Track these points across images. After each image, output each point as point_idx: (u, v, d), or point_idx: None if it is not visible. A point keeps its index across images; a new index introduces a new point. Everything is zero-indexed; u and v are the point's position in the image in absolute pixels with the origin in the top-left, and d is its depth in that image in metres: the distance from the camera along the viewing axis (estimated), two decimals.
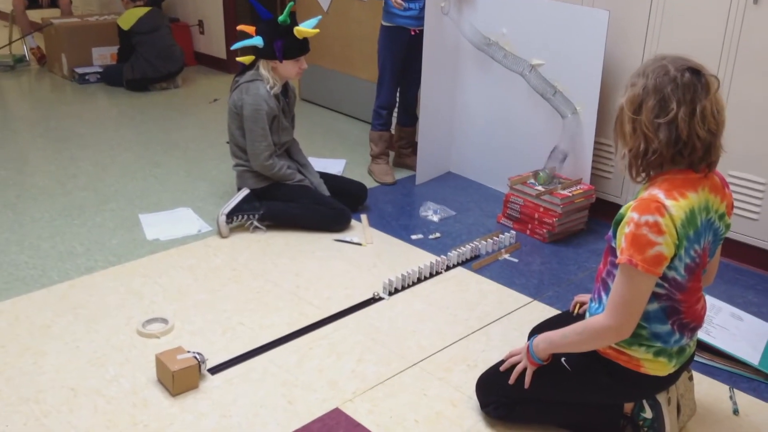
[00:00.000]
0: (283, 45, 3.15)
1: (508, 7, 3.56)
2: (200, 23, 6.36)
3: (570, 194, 3.28)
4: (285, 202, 3.32)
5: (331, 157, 4.28)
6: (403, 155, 4.15)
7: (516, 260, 3.14)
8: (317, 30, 3.21)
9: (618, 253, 1.74)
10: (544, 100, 3.51)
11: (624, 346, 1.87)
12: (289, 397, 2.22)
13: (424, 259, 3.10)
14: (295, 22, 3.20)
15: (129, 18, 5.51)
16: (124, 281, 2.86)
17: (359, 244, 3.22)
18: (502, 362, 2.09)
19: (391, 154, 4.17)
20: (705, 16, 2.99)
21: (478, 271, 3.03)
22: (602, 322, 1.79)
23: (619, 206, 3.23)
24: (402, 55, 3.80)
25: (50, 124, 4.81)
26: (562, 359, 1.97)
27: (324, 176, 3.53)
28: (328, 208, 3.31)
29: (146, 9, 5.57)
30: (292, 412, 2.15)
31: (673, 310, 1.82)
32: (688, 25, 3.04)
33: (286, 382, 2.29)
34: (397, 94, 3.99)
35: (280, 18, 3.14)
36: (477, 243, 3.14)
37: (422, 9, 3.63)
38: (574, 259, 3.17)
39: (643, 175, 1.78)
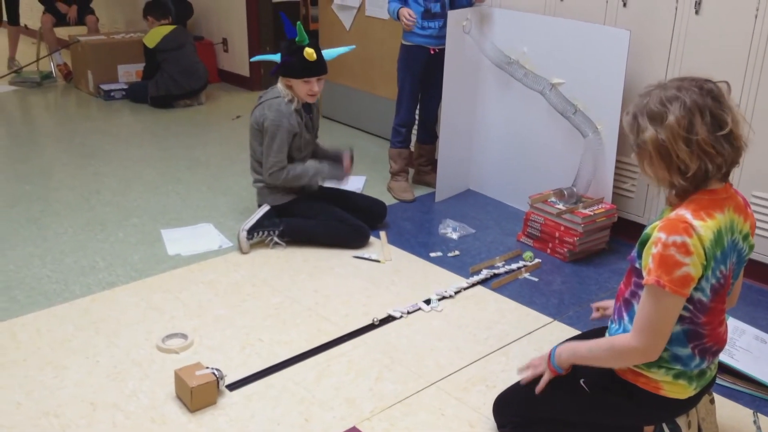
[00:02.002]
0: (286, 62, 3.18)
1: (529, 26, 3.56)
2: (224, 41, 6.44)
3: (591, 213, 3.26)
4: (304, 218, 3.34)
5: (351, 174, 4.29)
6: (423, 173, 4.15)
7: (536, 279, 3.12)
8: (313, 51, 3.16)
9: (644, 273, 1.72)
10: (564, 119, 3.50)
11: (643, 368, 1.84)
12: (306, 415, 2.21)
13: (442, 276, 3.09)
14: (313, 45, 3.20)
15: (154, 36, 5.59)
16: (144, 296, 2.88)
17: (378, 261, 3.22)
18: (520, 382, 2.07)
19: (411, 171, 4.17)
20: (729, 36, 2.97)
21: (498, 289, 3.01)
22: (629, 343, 1.77)
23: (641, 226, 3.22)
24: (421, 73, 3.81)
25: (75, 139, 4.89)
26: (581, 380, 1.95)
27: (343, 193, 3.55)
28: (346, 225, 3.32)
29: (171, 27, 5.66)
30: (309, 430, 2.15)
31: (695, 334, 1.80)
32: (712, 45, 3.03)
33: (303, 399, 2.29)
34: (417, 112, 4.00)
35: (297, 38, 3.18)
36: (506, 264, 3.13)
37: (441, 28, 3.65)
38: (595, 279, 3.15)
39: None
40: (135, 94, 5.81)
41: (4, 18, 6.55)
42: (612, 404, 1.91)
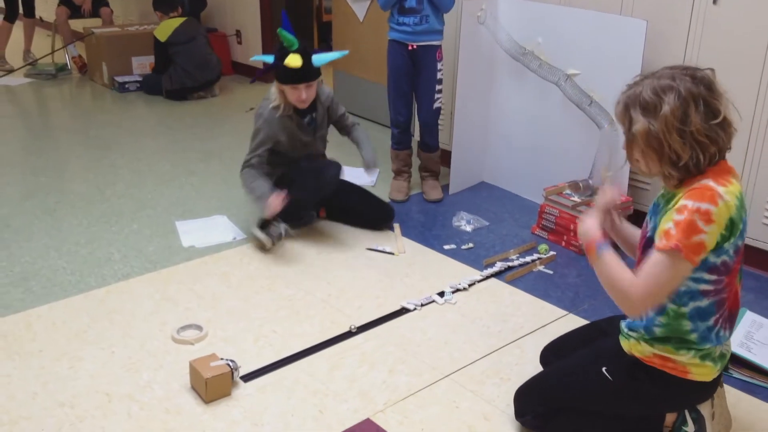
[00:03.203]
0: (275, 67, 3.10)
1: (544, 17, 3.53)
2: (238, 33, 6.44)
3: None
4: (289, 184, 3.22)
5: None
6: (421, 178, 3.96)
7: (551, 272, 3.10)
8: (297, 58, 3.02)
9: (659, 239, 1.70)
10: (579, 111, 3.47)
11: (672, 351, 1.83)
12: (320, 407, 2.21)
13: (456, 269, 3.08)
14: (301, 50, 3.06)
15: (165, 29, 5.58)
16: (159, 288, 2.89)
17: (392, 254, 3.21)
18: (544, 373, 2.08)
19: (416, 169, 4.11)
20: (747, 26, 2.93)
21: (512, 282, 3.00)
22: (630, 290, 1.74)
23: None
24: (403, 70, 3.67)
25: (90, 132, 4.91)
26: (603, 368, 1.93)
27: (355, 189, 3.54)
28: (314, 169, 3.24)
29: (181, 19, 5.65)
30: (322, 422, 2.15)
31: (720, 302, 1.80)
32: (730, 36, 2.99)
33: (317, 391, 2.29)
34: (413, 113, 3.89)
35: (285, 43, 3.06)
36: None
37: (418, 24, 3.54)
38: None
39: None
40: (149, 86, 5.82)
41: (20, 11, 6.58)
42: (636, 392, 1.89)
